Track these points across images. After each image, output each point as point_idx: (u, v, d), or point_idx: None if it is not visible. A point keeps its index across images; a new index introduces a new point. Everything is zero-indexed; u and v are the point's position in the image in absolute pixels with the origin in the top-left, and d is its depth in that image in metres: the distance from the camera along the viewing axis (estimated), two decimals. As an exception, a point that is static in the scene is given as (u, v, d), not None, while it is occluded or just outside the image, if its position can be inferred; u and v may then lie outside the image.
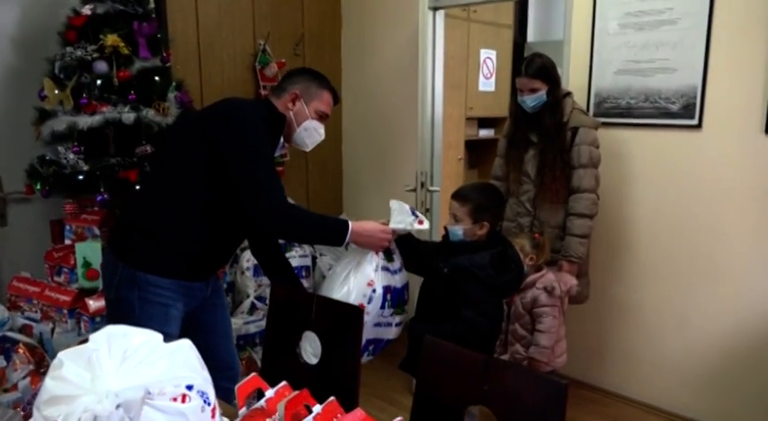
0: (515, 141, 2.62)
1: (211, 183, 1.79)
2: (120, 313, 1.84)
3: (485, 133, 4.73)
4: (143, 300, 1.79)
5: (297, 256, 3.55)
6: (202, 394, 0.96)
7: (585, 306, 2.76)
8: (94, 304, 2.50)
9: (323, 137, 2.01)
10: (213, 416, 0.98)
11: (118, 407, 0.83)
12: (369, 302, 1.79)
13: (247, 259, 3.32)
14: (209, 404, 0.97)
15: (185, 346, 1.02)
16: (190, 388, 0.95)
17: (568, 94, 2.58)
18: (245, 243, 3.48)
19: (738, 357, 2.62)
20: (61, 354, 0.96)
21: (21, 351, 2.32)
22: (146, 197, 1.93)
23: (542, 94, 2.46)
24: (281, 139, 1.97)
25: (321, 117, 1.98)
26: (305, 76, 1.98)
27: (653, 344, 2.87)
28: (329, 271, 2.15)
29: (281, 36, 3.69)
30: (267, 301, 3.22)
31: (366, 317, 1.69)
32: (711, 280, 2.66)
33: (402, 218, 1.91)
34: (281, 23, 3.68)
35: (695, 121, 2.59)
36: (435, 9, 3.28)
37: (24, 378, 2.28)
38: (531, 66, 2.46)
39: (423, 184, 3.29)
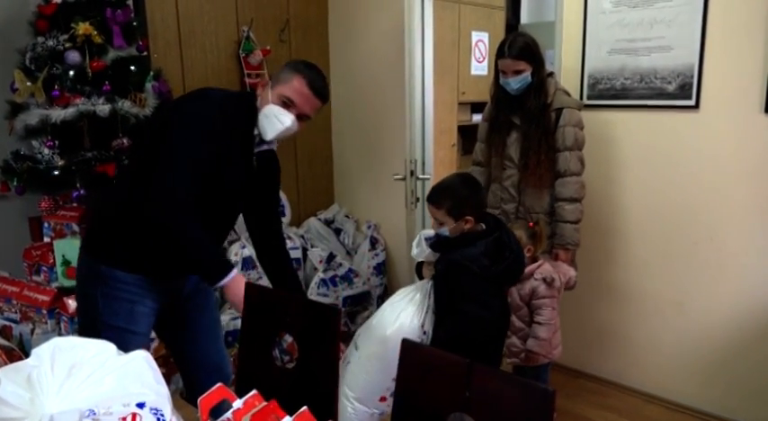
0: (497, 125, 2.53)
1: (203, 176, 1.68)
2: (85, 310, 1.80)
3: (478, 118, 4.61)
4: (106, 295, 1.71)
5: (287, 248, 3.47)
6: (156, 411, 0.88)
7: (581, 293, 2.69)
8: (74, 304, 2.41)
9: (286, 125, 1.73)
10: (170, 435, 0.90)
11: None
12: None
13: (235, 253, 3.24)
14: (164, 421, 0.89)
15: (139, 358, 0.94)
16: (141, 406, 0.87)
17: (551, 74, 2.48)
18: (232, 236, 3.43)
19: (739, 344, 2.55)
20: (0, 372, 0.88)
21: (-3, 354, 2.24)
22: (115, 191, 1.85)
23: (527, 76, 2.36)
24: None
25: (286, 104, 1.73)
26: (289, 64, 1.82)
27: (652, 331, 2.80)
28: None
29: (266, 22, 3.58)
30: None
31: None
32: (711, 264, 2.58)
33: (420, 249, 2.01)
34: (264, 9, 3.56)
35: (692, 102, 2.50)
36: (422, -9, 3.17)
37: (1, 382, 2.20)
38: (514, 46, 2.35)
39: (412, 173, 3.19)
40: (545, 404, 0.93)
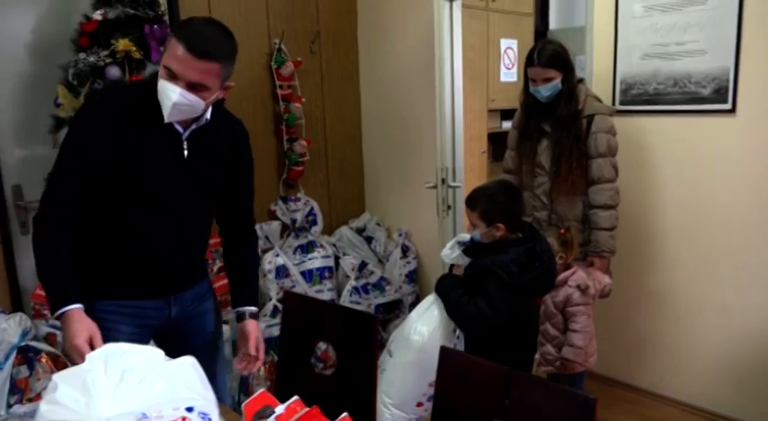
0: (528, 132, 2.53)
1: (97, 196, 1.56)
2: None
3: (508, 125, 4.60)
4: None
5: (320, 257, 3.51)
6: (203, 415, 0.91)
7: (617, 300, 2.66)
8: (115, 312, 2.48)
9: (173, 101, 1.47)
10: (217, 438, 0.93)
11: (109, 436, 0.78)
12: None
13: (269, 261, 3.29)
14: (211, 426, 0.92)
15: (187, 365, 0.98)
16: (190, 409, 0.90)
17: (581, 80, 2.47)
18: (266, 244, 3.48)
19: (781, 352, 2.49)
20: (56, 376, 0.92)
21: (43, 360, 2.31)
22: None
23: (557, 83, 2.36)
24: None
25: (172, 76, 1.47)
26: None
27: (690, 339, 2.75)
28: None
29: (297, 34, 3.64)
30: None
31: None
32: (752, 270, 2.53)
33: (451, 251, 2.05)
34: (295, 22, 3.62)
35: (728, 106, 2.46)
36: (451, 0, 3.19)
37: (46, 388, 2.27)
38: (544, 54, 2.35)
39: (444, 180, 3.20)
40: (586, 412, 0.93)
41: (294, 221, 3.59)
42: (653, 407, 2.82)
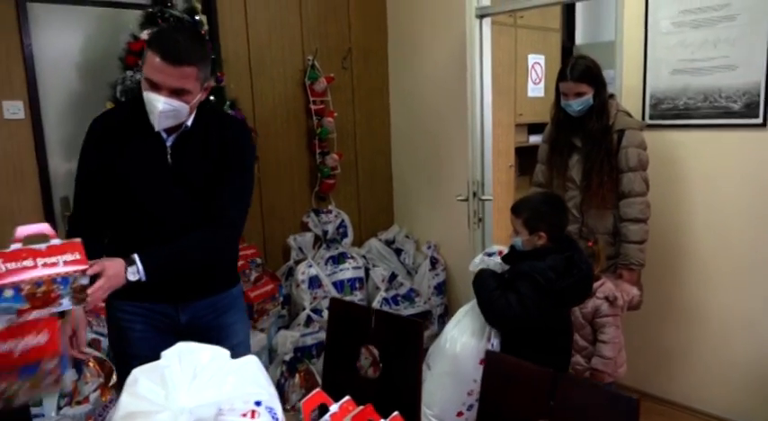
0: (558, 146, 2.56)
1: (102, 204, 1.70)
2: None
3: (535, 139, 4.66)
4: (109, 323, 1.83)
5: (350, 268, 3.58)
6: (270, 410, 0.98)
7: (647, 312, 2.67)
8: (158, 319, 2.57)
9: (159, 110, 1.55)
10: (281, 432, 1.00)
11: (193, 423, 0.85)
12: None
13: (302, 272, 3.37)
14: (276, 419, 0.99)
15: (252, 362, 1.05)
16: (258, 403, 0.97)
17: (611, 96, 2.51)
18: (300, 255, 3.55)
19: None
20: (136, 371, 0.99)
21: (91, 364, 2.41)
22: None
23: (589, 98, 2.40)
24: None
25: (153, 86, 1.56)
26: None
27: (722, 353, 2.75)
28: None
29: (329, 51, 3.75)
30: (323, 314, 3.26)
31: None
32: (783, 285, 2.54)
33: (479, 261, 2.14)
34: (328, 39, 3.73)
35: (759, 120, 2.48)
36: (482, 17, 3.27)
37: (95, 391, 2.37)
38: (576, 69, 2.40)
39: (475, 194, 3.26)
40: (630, 412, 0.97)
41: (326, 233, 3.67)
42: (683, 419, 2.82)
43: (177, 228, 1.67)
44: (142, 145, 1.66)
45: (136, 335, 1.74)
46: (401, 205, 4.21)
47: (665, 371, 2.94)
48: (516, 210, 2.05)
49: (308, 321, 3.21)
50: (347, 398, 1.18)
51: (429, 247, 3.94)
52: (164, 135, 1.66)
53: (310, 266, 3.39)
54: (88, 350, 2.51)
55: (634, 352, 2.74)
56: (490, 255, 2.15)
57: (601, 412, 1.01)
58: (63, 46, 2.90)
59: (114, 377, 2.46)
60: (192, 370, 0.98)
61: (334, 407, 1.15)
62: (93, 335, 2.72)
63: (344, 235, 3.78)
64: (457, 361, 2.01)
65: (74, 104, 2.95)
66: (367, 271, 3.72)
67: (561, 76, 2.46)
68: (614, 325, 2.34)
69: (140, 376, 0.97)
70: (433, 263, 3.89)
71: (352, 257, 3.64)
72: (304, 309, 3.26)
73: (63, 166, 2.93)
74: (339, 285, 3.54)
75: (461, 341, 2.04)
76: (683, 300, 2.83)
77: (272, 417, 0.98)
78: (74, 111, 2.94)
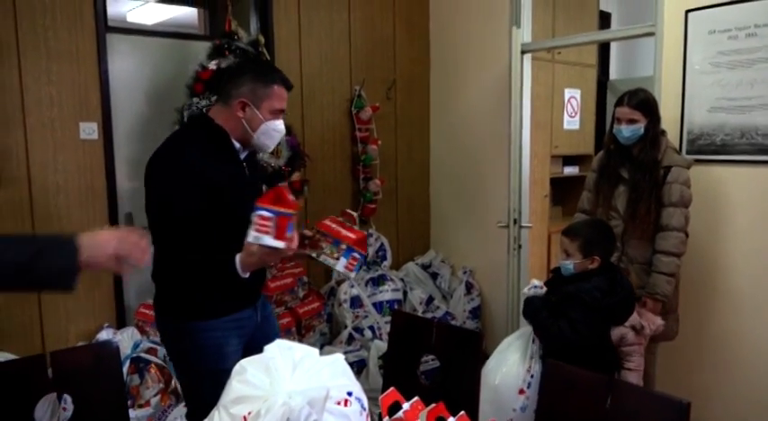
0: (607, 174, 2.64)
1: (203, 222, 1.74)
2: (181, 362, 1.91)
3: (569, 170, 4.78)
4: (196, 346, 1.82)
5: (390, 290, 3.71)
6: (359, 400, 1.11)
7: (682, 344, 2.73)
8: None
9: (283, 132, 1.87)
10: (367, 420, 1.13)
11: (307, 403, 0.98)
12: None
13: (344, 292, 3.50)
14: (364, 409, 1.12)
15: (340, 359, 1.18)
16: (350, 394, 1.10)
17: (663, 132, 2.61)
18: (341, 275, 3.70)
19: None
20: (243, 362, 1.14)
21: (152, 371, 2.56)
22: (158, 253, 1.80)
23: (640, 127, 2.49)
24: (238, 145, 1.85)
25: (276, 113, 1.82)
26: (248, 76, 1.81)
27: (759, 386, 2.80)
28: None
29: (375, 81, 3.94)
30: (364, 332, 3.39)
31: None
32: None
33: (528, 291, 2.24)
34: (374, 70, 3.93)
35: (794, 157, 2.58)
36: (524, 52, 3.43)
37: (155, 395, 2.52)
38: (635, 97, 2.50)
39: (515, 221, 3.38)
40: (681, 415, 1.08)
41: (366, 256, 3.80)
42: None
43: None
44: (230, 164, 1.83)
45: (231, 349, 1.84)
46: (437, 231, 4.35)
47: (701, 401, 2.97)
48: (572, 233, 2.15)
49: (350, 339, 3.34)
50: (416, 398, 1.30)
51: (465, 272, 4.05)
52: (240, 152, 1.86)
53: (352, 286, 3.53)
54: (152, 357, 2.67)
55: (670, 383, 2.80)
56: (535, 287, 2.28)
57: (653, 415, 1.12)
58: (135, 73, 3.14)
59: (173, 383, 2.61)
60: (292, 362, 1.12)
61: (406, 405, 1.27)
62: (151, 345, 2.89)
63: (384, 258, 3.92)
64: (498, 390, 2.10)
65: (142, 127, 3.17)
66: (405, 293, 3.84)
67: (619, 102, 2.55)
68: (639, 353, 2.39)
69: (247, 366, 1.11)
70: (468, 287, 4.00)
71: (392, 280, 3.77)
72: (346, 327, 3.38)
73: (128, 185, 3.13)
74: (378, 306, 3.66)
75: (500, 373, 2.14)
76: (720, 332, 2.89)
77: (361, 407, 1.11)
78: (142, 134, 3.16)
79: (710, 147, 2.83)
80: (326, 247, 1.90)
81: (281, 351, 1.15)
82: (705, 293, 2.89)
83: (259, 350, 1.71)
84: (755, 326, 2.78)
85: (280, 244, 1.63)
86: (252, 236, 1.63)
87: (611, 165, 2.62)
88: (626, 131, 2.51)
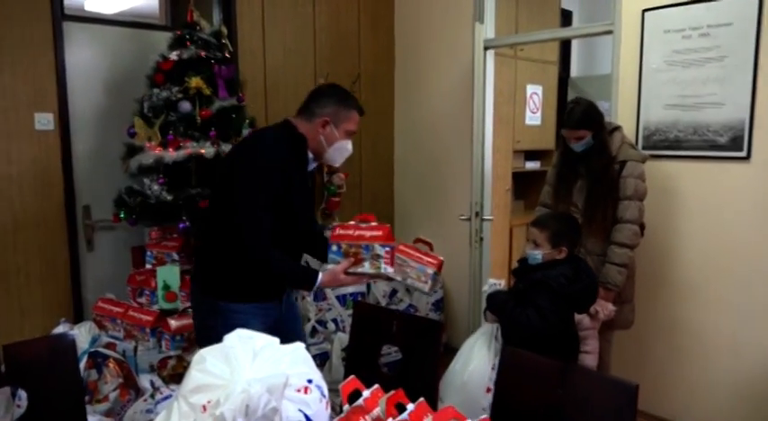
0: (564, 175, 2.73)
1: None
2: (206, 338, 1.94)
3: (531, 165, 4.87)
4: (225, 325, 1.85)
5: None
6: (319, 387, 1.12)
7: (636, 332, 2.83)
8: (176, 323, 2.70)
9: (351, 151, 2.13)
10: (327, 408, 1.14)
11: (266, 391, 0.99)
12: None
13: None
14: (324, 396, 1.13)
15: (301, 348, 1.19)
16: (310, 381, 1.11)
17: (617, 128, 2.68)
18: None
19: (794, 385, 2.65)
20: (203, 351, 1.14)
21: (111, 365, 2.52)
22: (210, 233, 2.09)
23: (589, 139, 2.58)
24: (311, 155, 2.08)
25: (349, 135, 2.09)
26: (333, 99, 2.05)
27: (707, 373, 2.91)
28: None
29: (339, 76, 3.92)
30: (327, 325, 3.39)
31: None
32: (764, 305, 2.70)
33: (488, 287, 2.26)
34: (339, 64, 3.93)
35: (743, 153, 2.68)
36: (487, 49, 3.48)
37: (114, 390, 2.48)
38: (573, 117, 2.57)
39: (477, 214, 3.43)
40: (630, 397, 1.13)
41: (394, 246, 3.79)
42: (672, 435, 2.96)
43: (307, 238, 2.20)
44: (301, 170, 2.07)
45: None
46: (402, 224, 4.37)
47: (654, 387, 3.08)
48: (541, 225, 2.22)
49: (314, 332, 3.34)
50: (377, 386, 1.32)
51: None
52: (310, 163, 2.10)
53: (316, 280, 3.52)
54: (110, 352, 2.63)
55: (625, 369, 2.89)
56: (492, 285, 2.33)
57: (604, 398, 1.16)
58: (94, 63, 3.07)
59: (133, 377, 2.57)
60: (252, 351, 1.12)
61: (366, 393, 1.29)
62: (109, 339, 2.84)
63: (348, 251, 3.92)
64: (465, 390, 2.13)
65: (101, 118, 3.10)
66: (368, 286, 3.85)
67: (561, 123, 2.64)
68: (595, 337, 2.51)
69: (207, 355, 1.11)
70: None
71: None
72: (309, 320, 3.38)
73: (87, 176, 3.06)
74: (342, 299, 3.66)
75: (467, 371, 2.17)
76: (673, 321, 3.00)
77: (321, 394, 1.12)
78: (101, 125, 3.10)
79: (665, 143, 2.92)
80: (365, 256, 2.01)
81: (240, 340, 1.15)
82: (657, 284, 2.99)
83: (285, 333, 1.94)
84: (703, 315, 2.89)
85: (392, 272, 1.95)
86: (383, 268, 1.93)
87: (567, 168, 2.70)
88: (577, 147, 2.60)
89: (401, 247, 2.15)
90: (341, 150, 2.09)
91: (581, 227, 2.65)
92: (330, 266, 2.01)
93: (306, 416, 1.05)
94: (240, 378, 1.05)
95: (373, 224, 2.00)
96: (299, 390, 1.08)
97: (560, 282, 2.00)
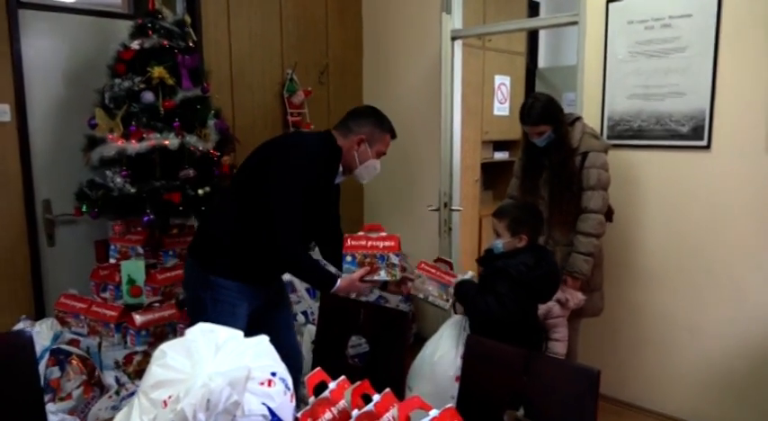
0: (529, 168, 2.77)
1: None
2: (196, 309, 2.17)
3: (500, 156, 4.90)
4: (214, 299, 2.07)
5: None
6: (284, 380, 1.11)
7: (602, 319, 2.88)
8: (141, 318, 2.65)
9: (379, 170, 2.27)
10: (291, 400, 1.13)
11: (227, 384, 0.98)
12: None
13: (277, 277, 3.46)
14: (288, 389, 1.12)
15: (265, 340, 1.18)
16: (274, 374, 1.10)
17: (578, 119, 2.71)
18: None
19: (752, 366, 2.73)
20: (163, 346, 1.11)
21: (74, 362, 2.46)
22: (218, 213, 2.21)
23: (550, 133, 2.60)
24: (340, 169, 2.22)
25: (380, 155, 2.25)
26: (371, 119, 2.21)
27: (668, 355, 2.98)
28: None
29: (307, 66, 3.90)
30: (297, 318, 3.37)
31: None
32: (723, 291, 2.78)
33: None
34: (307, 54, 3.88)
35: (704, 142, 2.74)
36: (454, 39, 3.48)
37: (78, 387, 2.42)
38: (532, 114, 2.59)
39: (446, 204, 3.44)
40: (591, 382, 1.14)
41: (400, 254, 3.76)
42: (634, 418, 3.03)
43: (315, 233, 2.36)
44: (330, 180, 2.21)
45: (242, 312, 2.11)
46: (371, 216, 4.37)
47: (619, 372, 3.15)
48: (500, 214, 2.23)
49: (283, 325, 3.31)
50: (343, 377, 1.31)
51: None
52: (338, 176, 2.23)
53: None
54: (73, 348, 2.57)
55: (590, 356, 2.94)
56: (465, 275, 2.34)
57: (567, 384, 1.18)
58: (52, 52, 2.98)
59: (96, 375, 2.53)
60: (214, 345, 1.11)
61: (332, 384, 1.28)
62: (72, 336, 2.77)
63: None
64: (434, 380, 2.13)
65: (60, 109, 3.01)
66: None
67: (521, 119, 2.65)
68: (564, 325, 2.55)
69: (168, 350, 1.09)
70: (402, 271, 4.02)
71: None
72: (279, 312, 3.35)
73: (46, 169, 2.98)
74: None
75: (435, 360, 2.16)
76: (637, 307, 3.06)
77: (285, 387, 1.11)
78: (61, 116, 3.01)
79: (629, 133, 2.96)
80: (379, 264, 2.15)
81: (203, 334, 1.13)
82: (621, 271, 3.05)
83: (274, 318, 2.26)
84: (666, 301, 2.96)
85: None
86: (398, 276, 2.11)
87: (532, 161, 2.73)
88: (539, 142, 2.63)
89: (422, 265, 2.29)
90: (370, 168, 2.23)
91: (548, 219, 2.69)
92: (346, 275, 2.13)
93: (269, 410, 1.04)
94: (201, 372, 1.04)
95: (383, 234, 2.15)
96: (262, 383, 1.07)
97: (520, 270, 2.02)
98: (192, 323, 2.22)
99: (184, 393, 0.97)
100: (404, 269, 2.16)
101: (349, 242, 2.15)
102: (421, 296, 2.20)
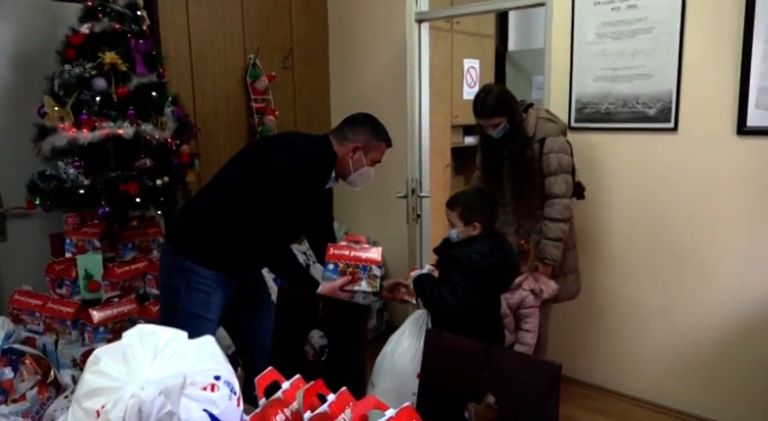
0: (488, 160, 2.75)
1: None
2: (168, 296, 2.19)
3: (470, 140, 4.85)
4: (188, 286, 2.08)
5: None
6: (228, 384, 1.05)
7: (571, 304, 2.87)
8: (99, 315, 2.56)
9: (372, 178, 2.29)
10: (238, 405, 1.06)
11: (160, 393, 0.91)
12: None
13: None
14: (234, 393, 1.05)
15: (210, 342, 1.11)
16: (218, 378, 1.03)
17: (531, 105, 2.68)
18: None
19: (719, 348, 2.74)
20: (97, 351, 1.04)
21: (28, 362, 2.36)
22: (203, 203, 2.22)
23: (505, 125, 2.58)
24: (333, 174, 2.22)
25: (374, 163, 2.26)
26: (366, 128, 2.21)
27: (636, 338, 2.99)
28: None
29: (271, 50, 3.79)
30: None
31: None
32: (691, 274, 2.78)
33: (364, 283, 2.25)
34: (270, 38, 3.77)
35: (671, 125, 2.72)
36: (420, 21, 3.40)
37: (32, 388, 2.32)
38: (485, 107, 2.56)
39: (413, 191, 3.39)
40: (553, 376, 1.10)
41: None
42: (605, 400, 3.05)
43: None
44: (321, 185, 2.22)
45: (216, 301, 2.13)
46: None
47: (588, 356, 3.15)
48: (451, 203, 2.20)
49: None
50: (298, 376, 1.26)
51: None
52: (330, 181, 2.24)
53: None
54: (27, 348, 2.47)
55: (561, 340, 2.94)
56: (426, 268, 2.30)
57: (528, 378, 1.14)
58: (-3, 36, 2.83)
59: (52, 374, 2.43)
60: (153, 348, 1.03)
61: (285, 385, 1.22)
62: (28, 334, 2.67)
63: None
64: (396, 375, 2.10)
65: (8, 98, 2.88)
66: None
67: (475, 113, 2.61)
68: (536, 315, 2.54)
69: (102, 356, 1.01)
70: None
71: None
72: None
73: (-5, 160, 2.85)
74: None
75: (397, 356, 2.14)
76: (605, 290, 3.06)
77: (231, 391, 1.04)
78: (8, 105, 2.87)
79: (596, 116, 2.94)
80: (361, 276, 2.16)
81: (141, 337, 1.06)
82: (589, 254, 3.04)
83: (252, 310, 2.33)
84: (633, 284, 2.96)
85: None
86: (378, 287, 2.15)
87: (492, 154, 2.71)
88: (495, 134, 2.61)
89: (332, 252, 2.18)
90: (364, 176, 2.24)
91: (514, 209, 2.67)
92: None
93: (211, 416, 0.98)
94: (136, 379, 0.97)
95: (365, 245, 2.18)
96: (204, 388, 1.00)
97: (473, 258, 1.99)
98: (163, 311, 2.25)
99: (112, 404, 0.90)
100: (382, 279, 2.17)
101: (332, 251, 2.15)
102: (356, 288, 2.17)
